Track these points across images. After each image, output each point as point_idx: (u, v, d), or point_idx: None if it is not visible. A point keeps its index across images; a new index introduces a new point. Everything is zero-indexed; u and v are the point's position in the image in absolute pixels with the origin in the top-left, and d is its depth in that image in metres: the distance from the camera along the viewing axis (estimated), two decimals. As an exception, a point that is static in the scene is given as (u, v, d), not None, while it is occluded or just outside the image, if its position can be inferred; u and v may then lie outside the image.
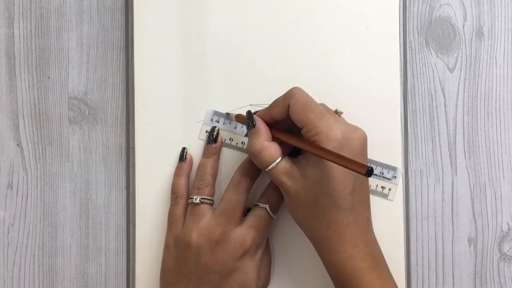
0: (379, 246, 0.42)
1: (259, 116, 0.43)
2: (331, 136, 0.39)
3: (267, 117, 0.42)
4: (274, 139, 0.42)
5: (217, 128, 0.46)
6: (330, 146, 0.38)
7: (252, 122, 0.42)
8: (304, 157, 0.41)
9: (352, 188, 0.40)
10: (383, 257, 0.42)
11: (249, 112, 0.43)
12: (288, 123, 0.42)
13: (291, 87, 0.41)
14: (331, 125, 0.39)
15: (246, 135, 0.46)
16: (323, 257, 0.41)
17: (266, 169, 0.41)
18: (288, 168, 0.40)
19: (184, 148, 0.46)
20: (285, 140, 0.42)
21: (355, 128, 0.41)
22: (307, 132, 0.40)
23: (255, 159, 0.41)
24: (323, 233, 0.40)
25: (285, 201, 0.42)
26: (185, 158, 0.46)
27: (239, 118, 0.45)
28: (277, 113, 0.41)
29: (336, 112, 0.44)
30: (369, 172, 0.35)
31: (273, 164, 0.40)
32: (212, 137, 0.45)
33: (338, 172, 0.39)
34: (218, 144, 0.46)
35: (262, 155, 0.41)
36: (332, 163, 0.38)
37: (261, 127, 0.42)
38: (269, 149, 0.41)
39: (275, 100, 0.42)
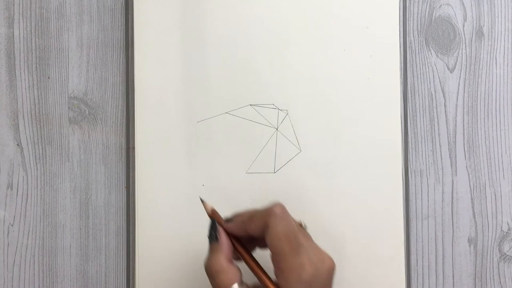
0: None
1: (234, 226, 0.39)
2: (302, 276, 0.36)
3: (241, 231, 0.39)
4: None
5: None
6: (299, 286, 0.36)
7: (215, 233, 0.39)
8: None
9: None
10: None
11: (213, 222, 0.40)
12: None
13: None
14: (303, 263, 0.36)
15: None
16: None
17: None
18: None
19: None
20: (247, 263, 0.39)
21: (324, 258, 0.38)
22: (278, 263, 0.37)
23: (211, 280, 0.39)
24: None
25: None
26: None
27: (214, 214, 0.40)
28: (254, 231, 0.38)
29: (300, 225, 0.41)
30: None
31: None
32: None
33: None
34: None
35: (219, 278, 0.37)
36: None
37: (224, 244, 0.39)
38: (227, 274, 0.37)
39: (254, 214, 0.39)
